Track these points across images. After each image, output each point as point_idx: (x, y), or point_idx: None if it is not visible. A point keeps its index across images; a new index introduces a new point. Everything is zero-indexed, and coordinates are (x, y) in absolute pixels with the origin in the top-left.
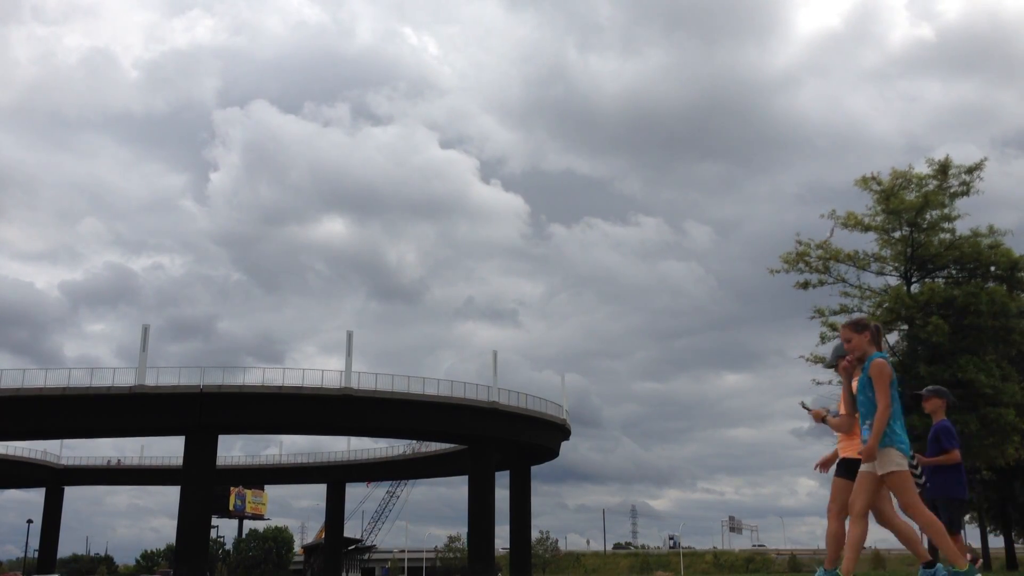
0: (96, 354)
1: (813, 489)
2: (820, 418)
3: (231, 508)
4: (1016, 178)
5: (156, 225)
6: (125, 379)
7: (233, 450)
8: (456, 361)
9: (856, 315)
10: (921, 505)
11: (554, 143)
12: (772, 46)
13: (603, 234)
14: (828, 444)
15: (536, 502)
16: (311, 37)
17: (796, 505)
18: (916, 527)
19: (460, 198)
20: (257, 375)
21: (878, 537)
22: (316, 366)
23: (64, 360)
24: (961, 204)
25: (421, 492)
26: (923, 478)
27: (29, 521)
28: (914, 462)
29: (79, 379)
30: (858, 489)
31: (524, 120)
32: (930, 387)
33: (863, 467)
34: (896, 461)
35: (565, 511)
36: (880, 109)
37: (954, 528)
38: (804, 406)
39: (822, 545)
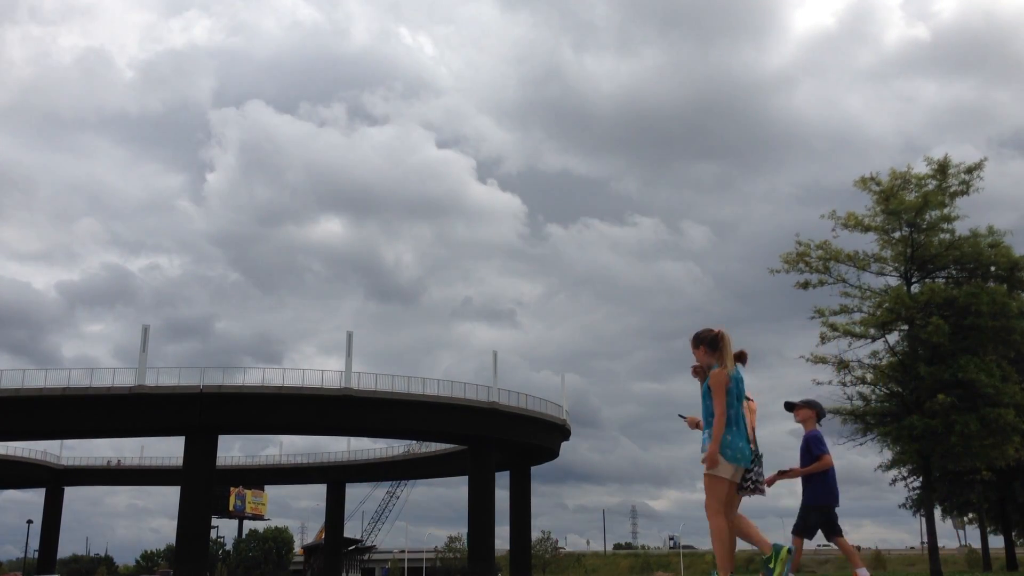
0: (94, 354)
1: None
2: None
3: (231, 508)
4: (1013, 178)
5: (153, 225)
6: (125, 379)
7: (232, 450)
8: (454, 361)
9: (700, 329)
10: (716, 515)
11: (550, 143)
12: (767, 46)
13: (600, 234)
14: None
15: (535, 502)
16: (306, 37)
17: (796, 505)
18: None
19: (457, 198)
20: (257, 375)
21: (878, 538)
22: (314, 366)
23: (62, 360)
24: (960, 204)
25: (420, 492)
26: (760, 484)
27: (29, 521)
28: (754, 471)
29: (79, 379)
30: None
31: (520, 120)
32: (803, 399)
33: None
34: (712, 464)
35: (564, 511)
36: (876, 109)
37: (834, 532)
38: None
39: (822, 545)
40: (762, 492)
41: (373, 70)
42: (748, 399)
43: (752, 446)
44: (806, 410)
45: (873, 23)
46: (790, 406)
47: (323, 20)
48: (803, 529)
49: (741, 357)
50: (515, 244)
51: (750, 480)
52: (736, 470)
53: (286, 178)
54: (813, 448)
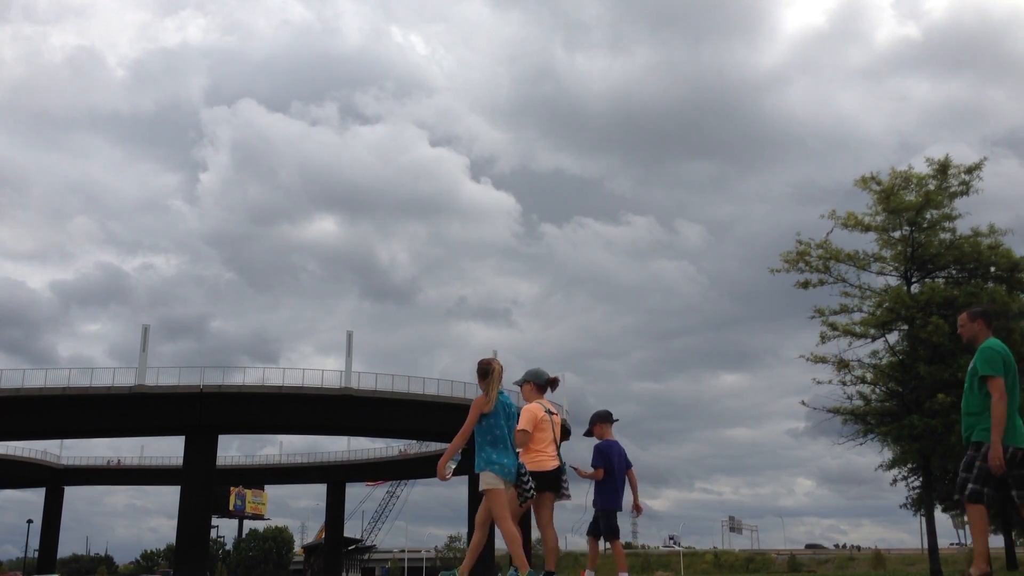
0: (89, 354)
1: (811, 489)
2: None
3: (231, 508)
4: (1007, 177)
5: (147, 225)
6: (125, 379)
7: (230, 450)
8: (452, 361)
9: (483, 358)
10: (503, 521)
11: (544, 142)
12: (759, 45)
13: (594, 233)
14: (826, 444)
15: None
16: (298, 37)
17: (795, 505)
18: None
19: (451, 197)
20: (257, 375)
21: (878, 538)
22: (311, 366)
23: (57, 360)
24: (959, 203)
25: (419, 492)
26: (531, 491)
27: (29, 521)
28: (527, 478)
29: (79, 379)
30: (482, 504)
31: (513, 119)
32: (596, 411)
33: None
34: (487, 481)
35: (563, 511)
36: (869, 108)
37: (611, 533)
38: (572, 467)
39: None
40: (567, 497)
41: (364, 70)
42: (553, 413)
43: (557, 461)
44: (601, 425)
45: (864, 22)
46: (596, 418)
47: (314, 19)
48: (594, 530)
49: (553, 383)
50: (510, 243)
51: (529, 489)
52: (505, 483)
53: (279, 177)
54: (593, 459)
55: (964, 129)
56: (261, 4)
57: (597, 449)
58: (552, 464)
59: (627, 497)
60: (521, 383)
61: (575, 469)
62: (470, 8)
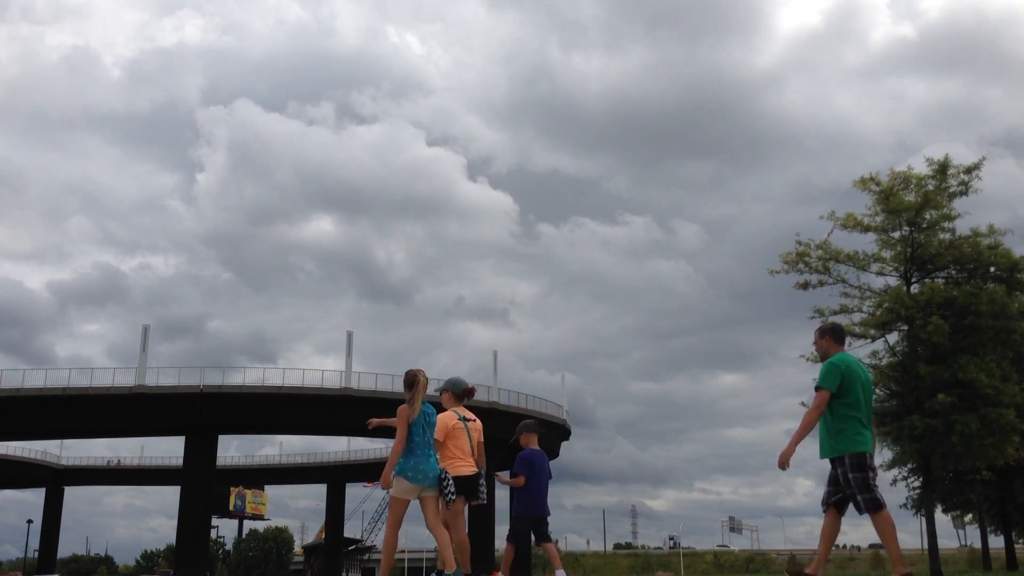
0: (87, 354)
1: (810, 489)
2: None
3: (231, 508)
4: (1004, 177)
5: (144, 225)
6: (125, 379)
7: (229, 450)
8: (451, 361)
9: (410, 369)
10: (391, 528)
11: (540, 142)
12: (755, 44)
13: (592, 233)
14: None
15: None
16: (293, 37)
17: (794, 505)
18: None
19: (448, 196)
20: (257, 375)
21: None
22: (310, 366)
23: (55, 359)
24: (958, 203)
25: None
26: (451, 494)
27: (29, 521)
28: (447, 482)
29: (79, 379)
30: (430, 509)
31: (510, 119)
32: (523, 422)
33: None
34: (396, 488)
35: (562, 511)
36: (866, 108)
37: (516, 538)
38: (496, 475)
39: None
40: (482, 501)
41: (361, 70)
42: (470, 420)
43: (473, 468)
44: (525, 434)
45: (860, 21)
46: (517, 438)
47: (310, 19)
48: (514, 536)
49: (469, 393)
50: (507, 243)
51: (449, 493)
52: (421, 489)
53: (276, 177)
54: (515, 467)
55: (961, 129)
56: (258, 4)
57: (520, 458)
58: (466, 470)
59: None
60: (440, 391)
61: (498, 477)
62: (466, 8)
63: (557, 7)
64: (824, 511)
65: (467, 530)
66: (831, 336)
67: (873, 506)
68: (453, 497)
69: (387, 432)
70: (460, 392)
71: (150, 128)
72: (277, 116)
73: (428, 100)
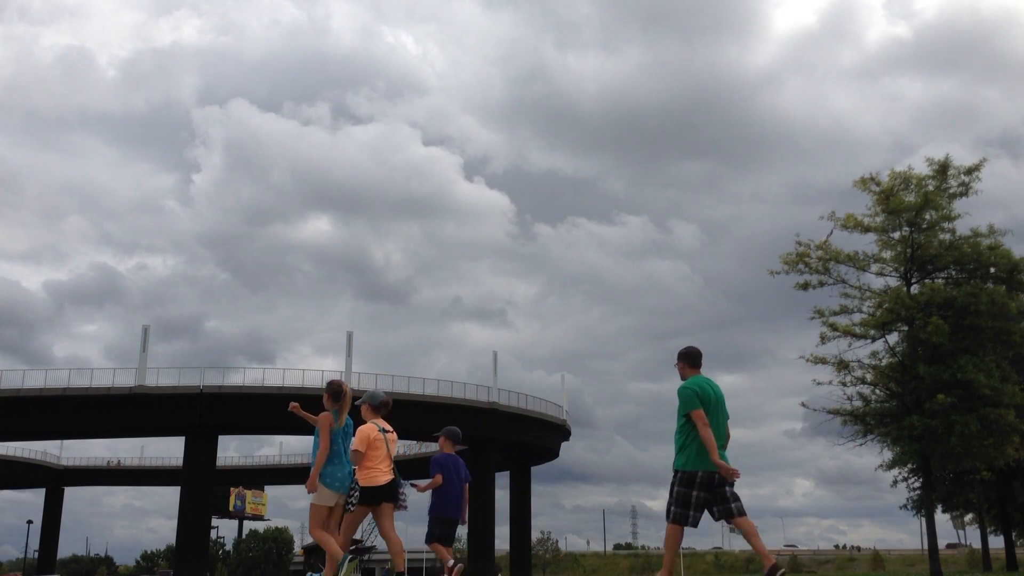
0: (84, 354)
1: (809, 490)
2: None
3: (231, 508)
4: (1000, 177)
5: (141, 225)
6: (125, 380)
7: (228, 450)
8: (449, 361)
9: (334, 380)
10: (315, 531)
11: (537, 142)
12: (750, 44)
13: (588, 234)
14: (824, 445)
15: (533, 503)
16: (288, 37)
17: (793, 506)
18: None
19: (444, 196)
20: (257, 375)
21: (877, 538)
22: (308, 366)
23: (53, 360)
24: (958, 204)
25: (416, 493)
26: (352, 503)
27: (29, 522)
28: (354, 494)
29: (79, 380)
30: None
31: (506, 120)
32: (445, 428)
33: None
34: (321, 495)
35: (562, 511)
36: (862, 108)
37: (435, 539)
38: (412, 484)
39: (821, 546)
40: (404, 507)
41: (357, 70)
42: (388, 432)
43: (390, 475)
44: (443, 439)
45: (855, 21)
46: (437, 437)
47: (305, 19)
48: (431, 537)
49: (386, 405)
50: (504, 243)
51: (352, 501)
52: (339, 496)
53: (272, 178)
54: (431, 469)
55: (958, 129)
56: (255, 5)
57: (435, 460)
58: (384, 479)
59: None
60: (360, 403)
61: (414, 486)
62: (461, 8)
63: (552, 7)
64: (728, 524)
65: (396, 533)
66: (686, 360)
67: (679, 519)
68: (351, 507)
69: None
70: (377, 404)
71: (146, 128)
72: (273, 116)
73: (424, 100)
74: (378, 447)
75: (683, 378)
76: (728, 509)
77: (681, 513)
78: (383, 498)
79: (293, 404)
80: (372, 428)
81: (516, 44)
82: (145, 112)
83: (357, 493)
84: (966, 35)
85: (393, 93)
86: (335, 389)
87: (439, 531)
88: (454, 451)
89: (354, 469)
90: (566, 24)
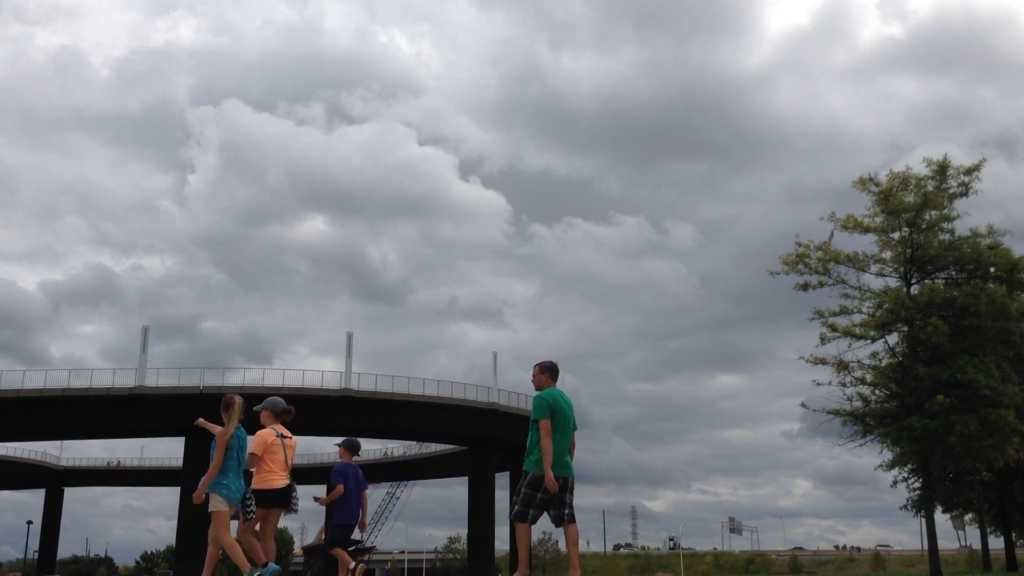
0: (82, 355)
1: (808, 490)
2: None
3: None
4: (996, 177)
5: (137, 226)
6: (125, 380)
7: None
8: (447, 362)
9: (225, 396)
10: (226, 537)
11: (532, 142)
12: (744, 44)
13: (585, 234)
14: (823, 446)
15: None
16: (282, 37)
17: (793, 506)
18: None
19: (440, 196)
20: (257, 376)
21: (877, 539)
22: (307, 367)
23: (50, 360)
24: (958, 204)
25: (419, 493)
26: (251, 512)
27: (29, 522)
28: (250, 505)
29: (79, 380)
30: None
31: (501, 120)
32: (345, 439)
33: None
34: (216, 504)
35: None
36: (857, 107)
37: (338, 544)
38: (315, 499)
39: (822, 546)
40: (295, 511)
41: (351, 70)
42: (286, 437)
43: (286, 480)
44: (342, 449)
45: (848, 21)
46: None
47: (298, 19)
48: (333, 543)
49: (288, 413)
50: (501, 243)
51: (251, 509)
52: (231, 505)
53: (267, 178)
54: (332, 478)
55: (953, 129)
56: (251, 5)
57: (336, 471)
58: (281, 483)
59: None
60: (260, 410)
61: (317, 499)
62: (455, 8)
63: (546, 7)
64: (559, 527)
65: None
66: (548, 373)
67: (519, 517)
68: (251, 516)
69: (388, 433)
70: (278, 411)
71: (142, 128)
72: (267, 116)
73: (418, 101)
74: (275, 452)
75: (540, 388)
76: (562, 515)
77: (522, 512)
78: (276, 502)
79: (199, 420)
80: (270, 433)
81: (510, 44)
82: (139, 112)
83: (253, 504)
84: (961, 35)
85: (388, 93)
86: (226, 402)
87: (341, 537)
88: (352, 461)
89: (250, 475)
90: (560, 24)
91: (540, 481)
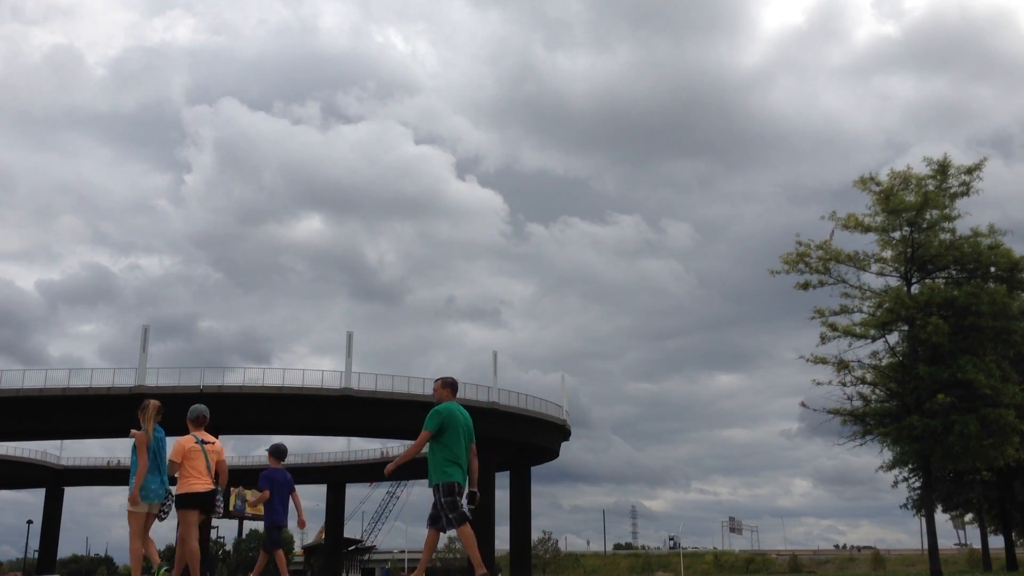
0: (79, 354)
1: (808, 490)
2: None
3: (231, 508)
4: (993, 177)
5: (134, 225)
6: (125, 380)
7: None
8: (445, 361)
9: (151, 400)
10: (134, 539)
11: (528, 141)
12: (739, 43)
13: (581, 233)
14: (822, 445)
15: (532, 503)
16: (277, 36)
17: (792, 505)
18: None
19: (436, 195)
20: (257, 375)
21: (877, 538)
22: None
23: (48, 359)
24: (958, 203)
25: (419, 493)
26: (166, 514)
27: (29, 522)
28: (167, 503)
29: (79, 380)
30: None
31: (497, 119)
32: (272, 445)
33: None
34: (133, 503)
35: (560, 511)
36: (854, 106)
37: (274, 545)
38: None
39: (821, 545)
40: (218, 514)
41: (346, 70)
42: (207, 443)
43: (208, 485)
44: (269, 455)
45: (843, 20)
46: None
47: (292, 18)
48: (267, 544)
49: (198, 420)
50: (498, 242)
51: (167, 510)
52: (150, 505)
53: (263, 177)
54: (259, 484)
55: (950, 128)
56: (248, 4)
57: (263, 476)
58: (202, 487)
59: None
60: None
61: (247, 501)
62: (451, 7)
63: (541, 6)
64: (428, 527)
65: (198, 542)
66: (449, 389)
67: (458, 522)
68: (165, 516)
69: (388, 433)
70: (195, 418)
71: (138, 128)
72: (263, 115)
73: (414, 100)
74: (194, 458)
75: (440, 402)
76: (452, 519)
77: (457, 516)
78: (197, 505)
79: (132, 431)
80: (189, 440)
81: (505, 43)
82: (135, 112)
83: (171, 503)
84: (957, 34)
85: (383, 93)
86: (141, 406)
87: (276, 538)
88: (280, 466)
89: (170, 479)
90: (555, 23)
91: (452, 487)
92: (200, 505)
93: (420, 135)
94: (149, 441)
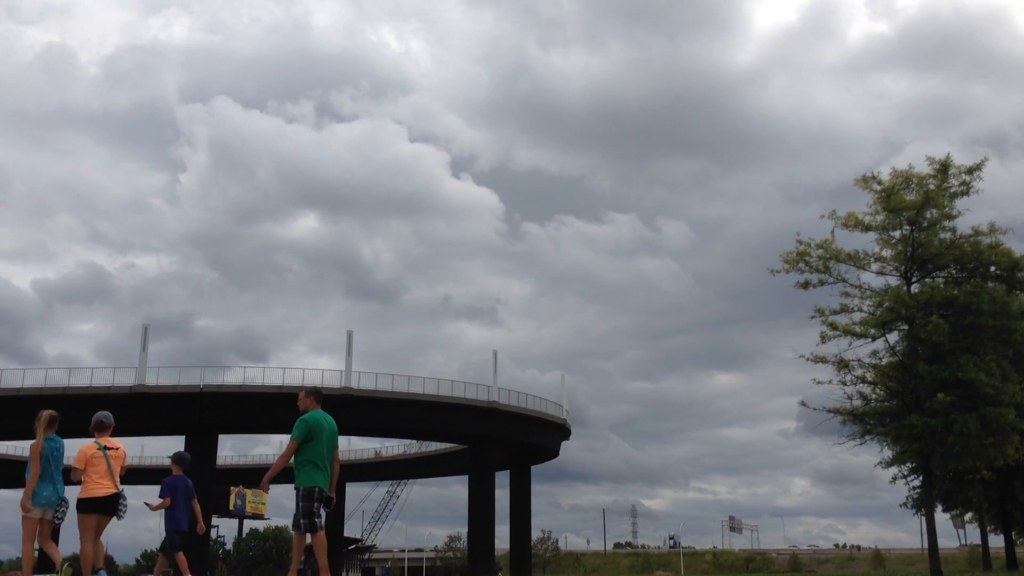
0: (76, 353)
1: (807, 489)
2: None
3: (231, 508)
4: (989, 178)
5: (129, 224)
6: (125, 379)
7: (224, 449)
8: (443, 360)
9: (44, 411)
10: (27, 544)
11: (523, 140)
12: (733, 41)
13: (577, 232)
14: (820, 444)
15: (531, 502)
16: (271, 35)
17: (791, 505)
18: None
19: (431, 194)
20: (256, 374)
21: (876, 537)
22: (302, 365)
23: (45, 359)
24: (958, 203)
25: (419, 492)
26: (60, 519)
27: None
28: (61, 508)
29: (79, 379)
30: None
31: (491, 118)
32: (175, 452)
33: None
34: (25, 509)
35: (559, 511)
36: (849, 105)
37: (174, 549)
38: (147, 504)
39: (821, 545)
40: (121, 517)
41: (340, 68)
42: (111, 449)
43: (111, 489)
44: (174, 464)
45: (836, 19)
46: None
47: (284, 17)
48: (166, 548)
49: (100, 426)
50: (494, 241)
51: (61, 516)
52: (44, 511)
53: (257, 176)
54: (160, 491)
55: (945, 126)
56: (241, 3)
57: (164, 483)
58: (104, 492)
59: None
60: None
61: (147, 504)
62: (444, 6)
63: (534, 4)
64: (292, 529)
65: (98, 544)
66: (313, 397)
67: (310, 528)
68: (58, 523)
69: (388, 433)
70: (98, 424)
71: (132, 126)
72: (257, 114)
73: (408, 99)
74: (97, 464)
75: (305, 411)
76: (304, 524)
77: (309, 523)
78: (96, 510)
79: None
80: (91, 446)
81: (499, 42)
82: (129, 110)
83: (65, 508)
84: (951, 32)
85: (377, 92)
86: (37, 417)
87: (176, 542)
88: (182, 473)
89: (62, 487)
90: (549, 21)
91: (312, 493)
92: (99, 510)
93: (414, 134)
94: (42, 450)
